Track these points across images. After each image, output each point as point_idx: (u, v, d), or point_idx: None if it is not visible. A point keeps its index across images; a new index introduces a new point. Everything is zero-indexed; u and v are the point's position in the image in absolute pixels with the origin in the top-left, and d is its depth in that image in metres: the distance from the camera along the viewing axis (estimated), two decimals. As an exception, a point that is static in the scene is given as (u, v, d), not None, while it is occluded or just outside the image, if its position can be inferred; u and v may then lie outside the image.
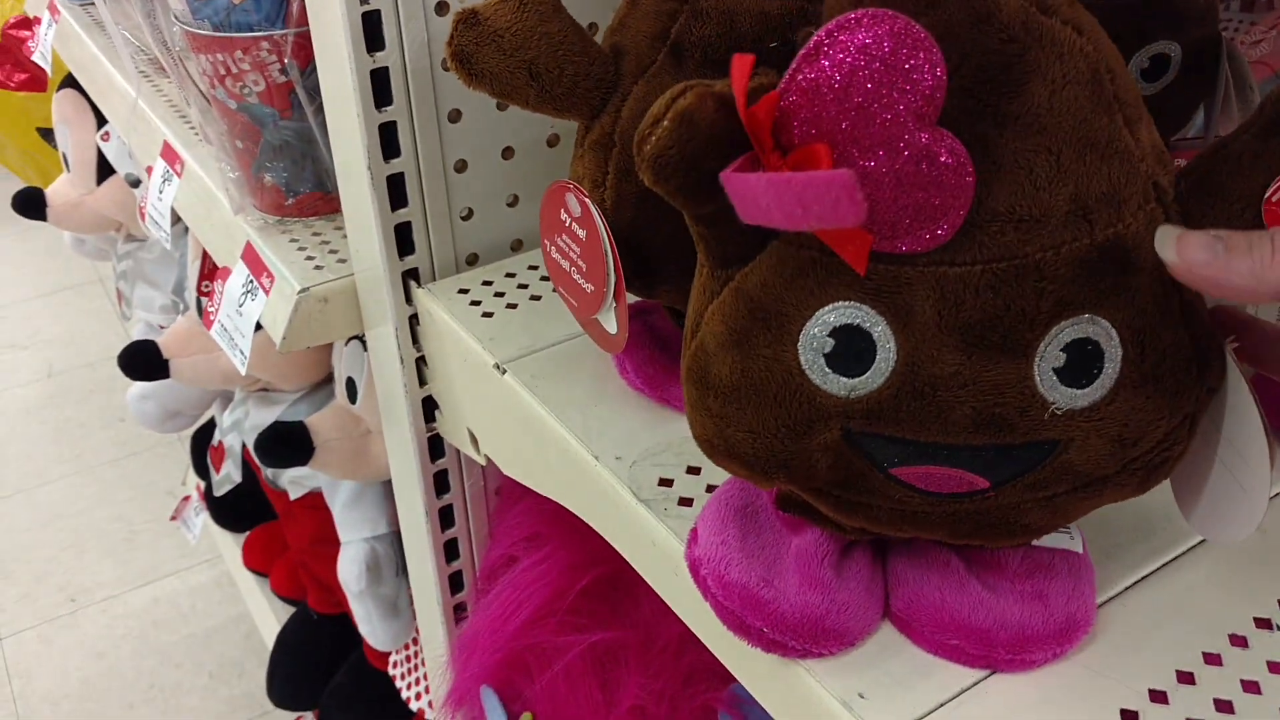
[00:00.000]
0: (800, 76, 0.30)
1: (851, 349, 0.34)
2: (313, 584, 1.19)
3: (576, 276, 0.49)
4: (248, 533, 1.38)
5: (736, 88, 0.31)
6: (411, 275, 0.64)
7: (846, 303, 0.34)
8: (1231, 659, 0.41)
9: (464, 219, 0.64)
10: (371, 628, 1.00)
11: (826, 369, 0.34)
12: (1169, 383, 0.35)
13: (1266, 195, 0.33)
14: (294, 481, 1.04)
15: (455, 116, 0.61)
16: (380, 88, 0.58)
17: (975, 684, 0.41)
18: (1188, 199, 0.35)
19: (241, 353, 0.72)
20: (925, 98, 0.30)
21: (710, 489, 0.49)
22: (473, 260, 0.66)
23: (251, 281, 0.71)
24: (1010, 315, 0.33)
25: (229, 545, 1.43)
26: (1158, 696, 0.40)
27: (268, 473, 1.07)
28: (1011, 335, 0.33)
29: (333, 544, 1.01)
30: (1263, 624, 0.43)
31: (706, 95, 0.32)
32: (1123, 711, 0.39)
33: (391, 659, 1.09)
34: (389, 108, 0.59)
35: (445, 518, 0.73)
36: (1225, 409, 0.37)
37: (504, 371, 0.57)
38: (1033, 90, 0.32)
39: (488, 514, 0.74)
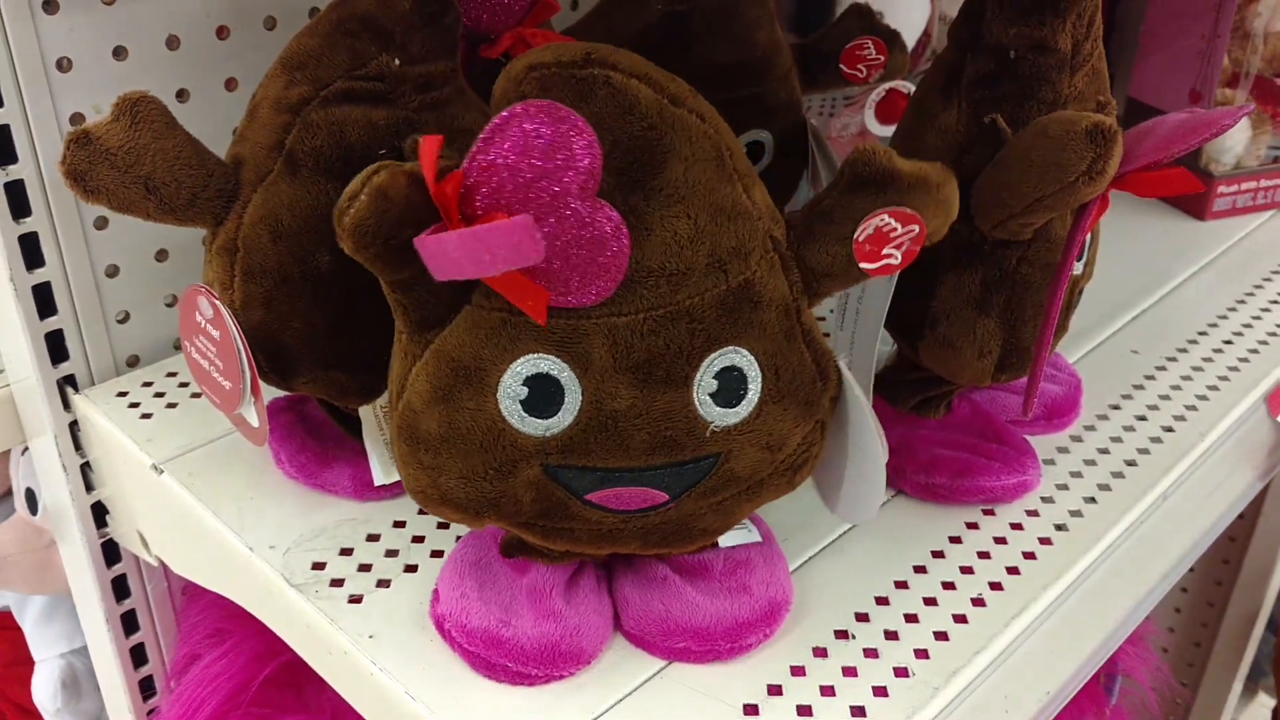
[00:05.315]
0: (480, 157, 0.35)
1: (543, 394, 0.39)
2: (15, 712, 1.11)
3: (215, 375, 0.51)
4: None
5: (425, 167, 0.35)
6: (69, 381, 0.64)
7: (535, 354, 0.39)
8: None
9: (120, 322, 0.65)
10: (74, 748, 0.95)
11: (523, 413, 0.40)
12: (800, 396, 0.42)
13: (854, 237, 0.41)
14: (-22, 602, 0.98)
15: (101, 224, 0.62)
16: (18, 199, 0.58)
17: None
18: (797, 245, 0.42)
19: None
20: (586, 173, 0.35)
21: (363, 568, 0.52)
22: (134, 362, 0.66)
23: (-102, 397, 0.68)
24: (670, 353, 0.39)
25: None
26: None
27: (-52, 596, 1.00)
28: (673, 369, 0.40)
29: (31, 665, 0.96)
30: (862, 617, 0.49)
31: (399, 173, 0.36)
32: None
33: (104, 778, 1.04)
34: (28, 219, 0.59)
35: (130, 623, 0.72)
36: (846, 413, 0.45)
37: (161, 472, 0.57)
38: (671, 167, 0.39)
39: (174, 614, 0.73)
